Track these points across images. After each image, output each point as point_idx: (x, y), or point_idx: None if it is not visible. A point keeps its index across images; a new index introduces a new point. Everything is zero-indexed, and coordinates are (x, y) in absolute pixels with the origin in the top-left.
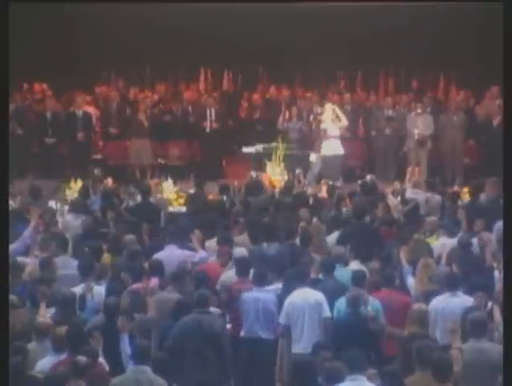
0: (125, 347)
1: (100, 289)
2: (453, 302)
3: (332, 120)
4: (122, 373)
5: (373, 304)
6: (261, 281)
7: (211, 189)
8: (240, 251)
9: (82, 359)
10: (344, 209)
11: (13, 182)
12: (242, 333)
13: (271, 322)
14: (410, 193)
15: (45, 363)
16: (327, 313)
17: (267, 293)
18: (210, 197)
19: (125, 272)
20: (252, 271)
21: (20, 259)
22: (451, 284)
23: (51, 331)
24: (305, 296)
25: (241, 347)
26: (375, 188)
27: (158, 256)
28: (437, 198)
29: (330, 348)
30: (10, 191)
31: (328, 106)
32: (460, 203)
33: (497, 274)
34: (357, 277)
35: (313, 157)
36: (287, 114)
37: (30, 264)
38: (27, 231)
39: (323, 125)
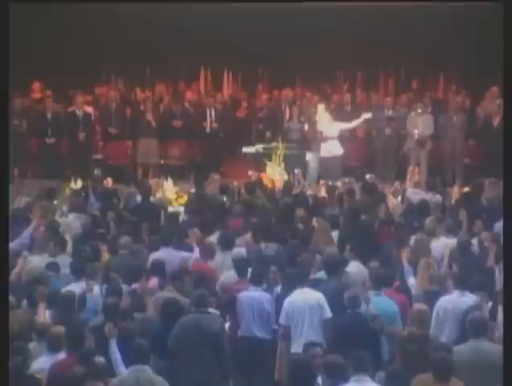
0: (114, 352)
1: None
2: (462, 302)
3: (328, 121)
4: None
5: (389, 308)
6: (257, 280)
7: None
8: (238, 251)
9: (101, 360)
10: (343, 209)
11: (13, 182)
12: (239, 333)
13: (267, 321)
14: (410, 193)
15: (40, 362)
16: (327, 313)
17: (262, 293)
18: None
19: (114, 272)
20: (249, 271)
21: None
22: (459, 283)
23: (46, 331)
24: (306, 296)
25: (239, 347)
26: (376, 187)
27: (153, 257)
28: (437, 198)
29: (321, 346)
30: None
31: (321, 107)
32: (460, 203)
33: (497, 274)
34: (375, 278)
35: (309, 157)
36: (288, 114)
37: (19, 264)
38: (27, 231)
39: (318, 127)
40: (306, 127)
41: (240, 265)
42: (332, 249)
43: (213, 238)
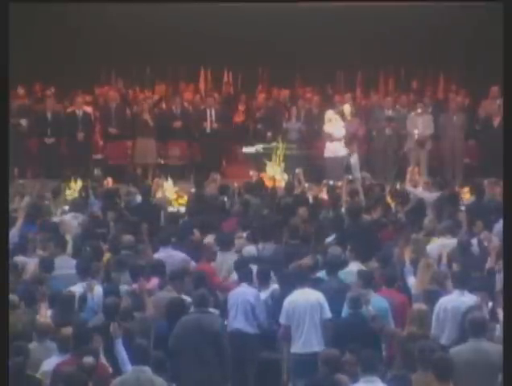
0: (121, 351)
1: (100, 289)
2: (462, 302)
3: (331, 122)
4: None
5: (380, 304)
6: (246, 277)
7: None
8: (249, 249)
9: (89, 359)
10: (343, 209)
11: (13, 182)
12: (227, 329)
13: (252, 315)
14: (410, 193)
15: (50, 363)
16: (327, 314)
17: (248, 288)
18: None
19: (116, 272)
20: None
21: (19, 259)
22: (459, 283)
23: (56, 332)
24: (306, 296)
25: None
26: (371, 185)
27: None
28: (437, 198)
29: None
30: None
31: (329, 112)
32: (460, 203)
33: (498, 274)
34: (364, 277)
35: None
36: (287, 114)
37: (32, 263)
38: (14, 230)
39: (325, 128)
40: (307, 127)
41: (240, 266)
42: (336, 250)
43: (211, 238)
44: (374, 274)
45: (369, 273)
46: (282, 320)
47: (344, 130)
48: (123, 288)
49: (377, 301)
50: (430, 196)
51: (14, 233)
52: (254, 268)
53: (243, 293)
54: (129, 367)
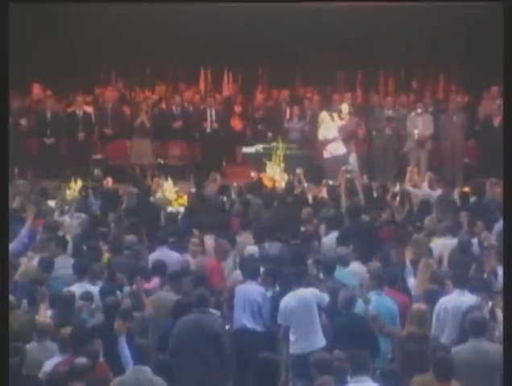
0: (124, 348)
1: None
2: (462, 301)
3: (323, 123)
4: (123, 373)
5: (389, 305)
6: (253, 275)
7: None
8: (251, 249)
9: (82, 360)
10: (343, 209)
11: (13, 182)
12: (233, 327)
13: (258, 313)
14: (411, 193)
15: (51, 364)
16: (326, 299)
17: (256, 286)
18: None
19: (120, 272)
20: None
21: (15, 259)
22: (459, 283)
23: (55, 332)
24: (300, 296)
25: (232, 341)
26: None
27: (150, 257)
28: (437, 198)
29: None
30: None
31: (323, 114)
32: (460, 203)
33: (498, 274)
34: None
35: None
36: (288, 114)
37: (23, 264)
38: (24, 230)
39: (319, 132)
40: (307, 127)
41: (246, 264)
42: (343, 250)
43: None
44: (370, 275)
45: (385, 273)
46: (279, 321)
47: (337, 130)
48: (123, 288)
49: (386, 302)
50: (433, 193)
51: (23, 234)
52: (258, 266)
53: (251, 292)
54: (131, 365)
